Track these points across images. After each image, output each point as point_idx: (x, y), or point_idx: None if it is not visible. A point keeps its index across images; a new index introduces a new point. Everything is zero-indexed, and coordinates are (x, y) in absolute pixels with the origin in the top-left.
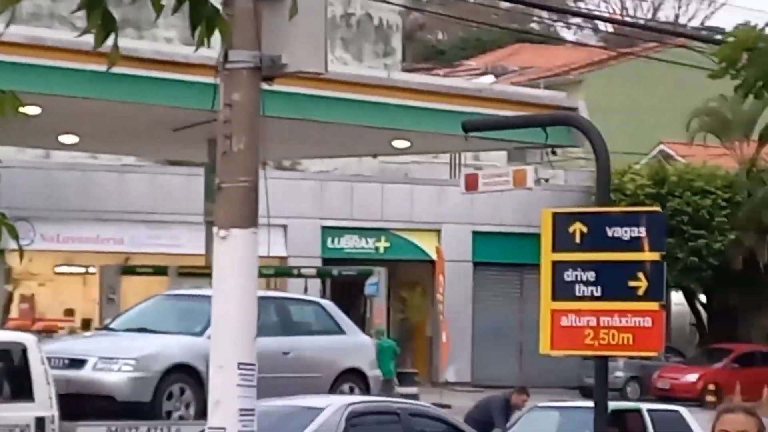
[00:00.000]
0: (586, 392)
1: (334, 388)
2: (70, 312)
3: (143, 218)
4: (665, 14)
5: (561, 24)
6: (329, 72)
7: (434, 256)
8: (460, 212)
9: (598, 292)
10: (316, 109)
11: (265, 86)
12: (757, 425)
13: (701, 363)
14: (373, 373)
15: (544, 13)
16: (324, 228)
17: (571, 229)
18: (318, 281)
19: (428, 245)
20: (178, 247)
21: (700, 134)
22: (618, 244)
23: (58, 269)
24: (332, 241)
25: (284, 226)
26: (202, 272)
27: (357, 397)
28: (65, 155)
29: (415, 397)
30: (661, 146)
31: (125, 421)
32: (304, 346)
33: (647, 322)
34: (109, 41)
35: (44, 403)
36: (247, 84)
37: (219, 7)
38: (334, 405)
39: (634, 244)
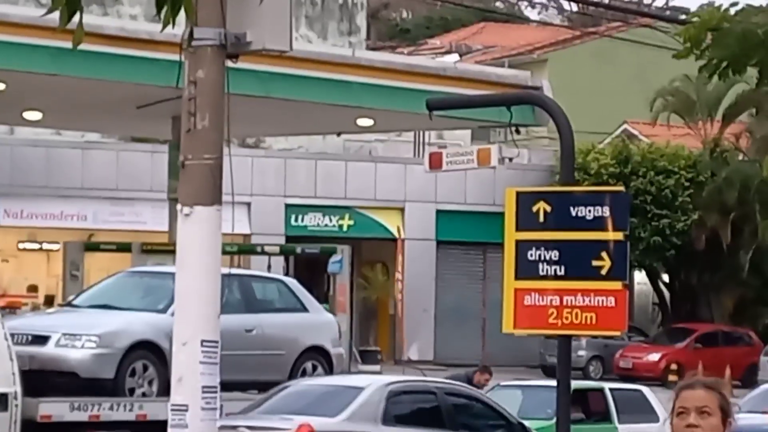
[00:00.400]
0: (548, 371)
1: (296, 366)
2: (33, 288)
3: (107, 195)
4: None
5: (525, 3)
6: (294, 50)
7: (398, 235)
8: (423, 190)
9: (561, 272)
10: (280, 86)
11: (229, 64)
12: (718, 400)
13: (664, 343)
14: (336, 350)
15: None
16: (288, 206)
17: (534, 209)
18: (281, 259)
19: (392, 223)
20: (142, 223)
21: (663, 114)
22: (581, 224)
23: (22, 245)
24: (296, 219)
25: (248, 204)
26: (165, 249)
27: (395, 377)
28: (29, 131)
29: (377, 375)
30: (625, 126)
31: (88, 398)
32: (267, 323)
33: (610, 301)
34: (74, 20)
35: (7, 379)
36: (211, 61)
37: None
38: (375, 384)
39: (598, 224)
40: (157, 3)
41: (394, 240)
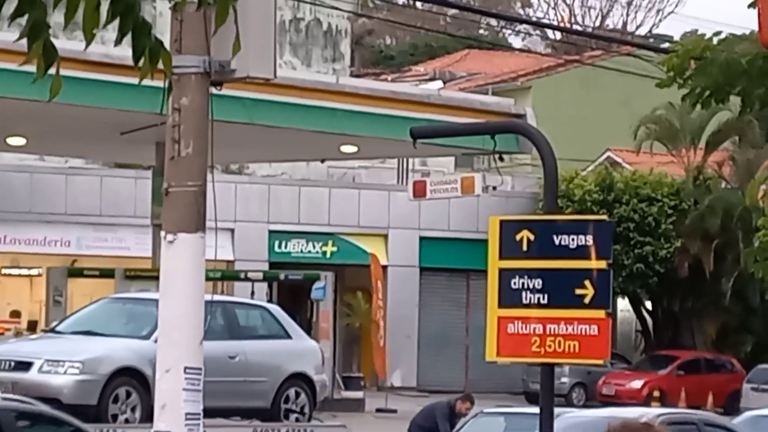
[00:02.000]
0: (531, 398)
1: (280, 393)
2: (16, 314)
3: (90, 220)
4: (613, 21)
5: (509, 31)
6: (278, 77)
7: (382, 261)
8: (407, 217)
9: (544, 300)
10: (264, 113)
11: (213, 91)
12: None
13: (646, 369)
14: (320, 377)
15: (493, 20)
16: (271, 232)
17: (518, 237)
18: (265, 285)
19: (375, 250)
20: (125, 249)
21: (647, 142)
22: (565, 252)
23: (5, 270)
24: (279, 245)
25: (231, 230)
26: (149, 275)
27: (662, 409)
28: (13, 157)
29: (360, 401)
30: (608, 153)
31: None
32: (251, 350)
33: (593, 329)
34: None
35: None
36: (195, 89)
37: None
38: (648, 416)
39: (581, 252)
40: (134, 54)
41: (368, 266)
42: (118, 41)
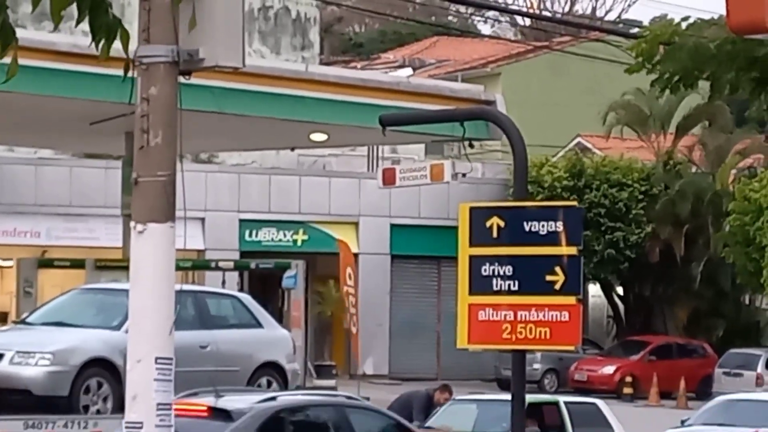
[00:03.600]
0: (503, 384)
1: (251, 382)
2: None
3: (60, 211)
4: (582, 7)
5: (478, 17)
6: (247, 65)
7: (353, 249)
8: (377, 205)
9: (515, 287)
10: (233, 102)
11: (182, 80)
12: None
13: (618, 355)
14: (291, 366)
15: (462, 7)
16: (242, 221)
17: (488, 224)
18: (236, 274)
19: (346, 238)
20: (96, 240)
21: (616, 127)
22: (535, 239)
23: None
24: (250, 234)
25: (202, 219)
26: (119, 265)
27: None
28: None
29: (333, 389)
30: (578, 139)
31: (42, 416)
32: (222, 339)
33: (564, 316)
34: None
35: None
36: (164, 78)
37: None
38: None
39: (551, 239)
40: (92, 33)
41: (336, 254)
42: (79, 21)
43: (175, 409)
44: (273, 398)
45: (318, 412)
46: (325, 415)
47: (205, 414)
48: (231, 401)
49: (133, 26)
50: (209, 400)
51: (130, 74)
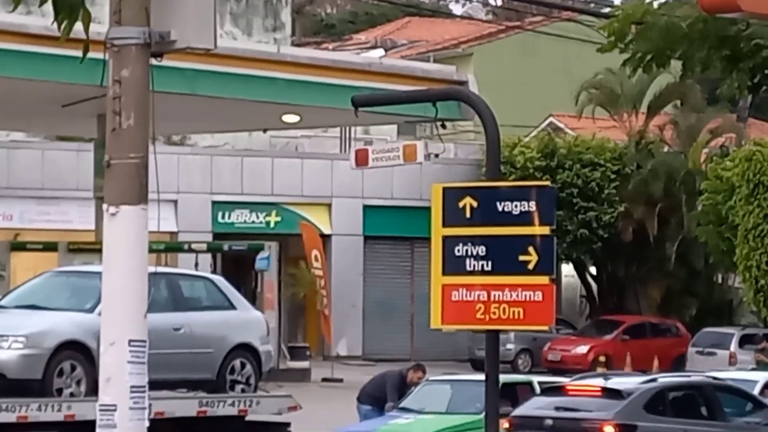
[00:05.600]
0: (477, 365)
1: (225, 364)
2: None
3: (33, 194)
4: None
5: None
6: (218, 47)
7: (325, 230)
8: (350, 186)
9: (488, 267)
10: (205, 83)
11: (154, 62)
12: None
13: (592, 335)
14: (265, 348)
15: None
16: (214, 203)
17: (461, 204)
18: (209, 256)
19: (319, 219)
20: (68, 223)
21: (588, 107)
22: (508, 219)
23: None
24: (223, 216)
25: (174, 202)
26: (92, 248)
27: None
28: None
29: (306, 371)
30: (551, 119)
31: (15, 399)
32: (195, 321)
33: (538, 296)
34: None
35: None
36: (135, 60)
37: None
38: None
39: (524, 219)
40: (54, 11)
41: (322, 236)
42: (42, 1)
43: (571, 390)
44: (654, 379)
45: (692, 391)
46: (699, 394)
47: (599, 393)
48: (619, 382)
49: (104, 9)
50: (600, 382)
51: (102, 56)
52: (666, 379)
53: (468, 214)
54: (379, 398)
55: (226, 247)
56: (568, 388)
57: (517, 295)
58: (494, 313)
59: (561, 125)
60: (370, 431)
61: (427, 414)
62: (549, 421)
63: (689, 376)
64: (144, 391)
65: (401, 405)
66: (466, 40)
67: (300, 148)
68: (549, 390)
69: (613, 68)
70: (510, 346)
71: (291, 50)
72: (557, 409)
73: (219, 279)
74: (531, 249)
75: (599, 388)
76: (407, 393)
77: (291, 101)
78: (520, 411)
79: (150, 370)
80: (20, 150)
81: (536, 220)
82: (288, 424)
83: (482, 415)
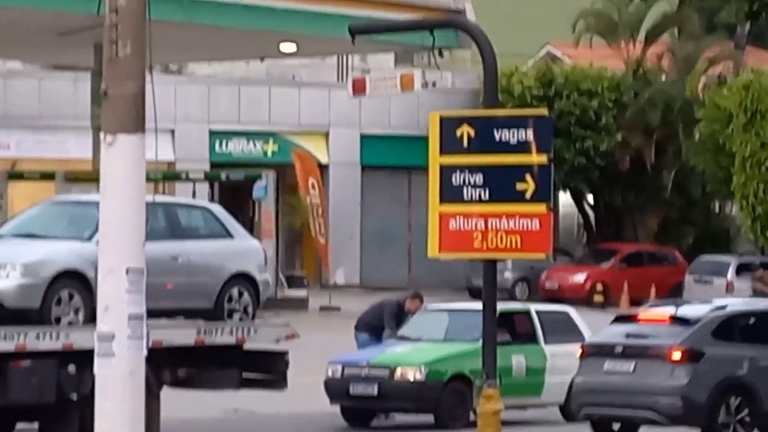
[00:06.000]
0: (474, 293)
1: (223, 293)
2: None
3: (30, 123)
4: None
5: None
6: None
7: (323, 159)
8: (347, 115)
9: (485, 195)
10: (202, 12)
11: None
12: None
13: (589, 263)
14: (263, 277)
15: None
16: (212, 132)
17: (458, 133)
18: (206, 185)
19: (316, 148)
20: (66, 152)
21: (586, 35)
22: (505, 147)
23: None
24: (220, 145)
25: (172, 131)
26: (90, 177)
27: None
28: None
29: (304, 300)
30: (548, 48)
31: (14, 327)
32: (193, 250)
33: (535, 224)
34: None
35: None
36: None
37: None
38: None
39: (522, 147)
40: None
41: (319, 165)
42: None
43: (642, 318)
44: (723, 307)
45: (760, 317)
46: (766, 320)
47: (668, 321)
48: (688, 310)
49: None
50: (670, 310)
51: None
52: (734, 306)
53: (465, 143)
54: (376, 327)
55: (223, 176)
56: (640, 316)
57: (515, 224)
58: (492, 241)
59: (558, 54)
60: (368, 359)
61: (425, 342)
62: (619, 348)
63: (757, 303)
64: (142, 320)
65: (399, 333)
66: None
67: (297, 77)
68: (621, 318)
69: None
70: (507, 274)
71: None
72: (628, 336)
73: (216, 208)
74: (528, 177)
75: (669, 316)
76: (405, 321)
77: (288, 30)
78: (592, 339)
79: (148, 298)
80: (17, 79)
81: (533, 149)
82: (286, 353)
83: (479, 344)
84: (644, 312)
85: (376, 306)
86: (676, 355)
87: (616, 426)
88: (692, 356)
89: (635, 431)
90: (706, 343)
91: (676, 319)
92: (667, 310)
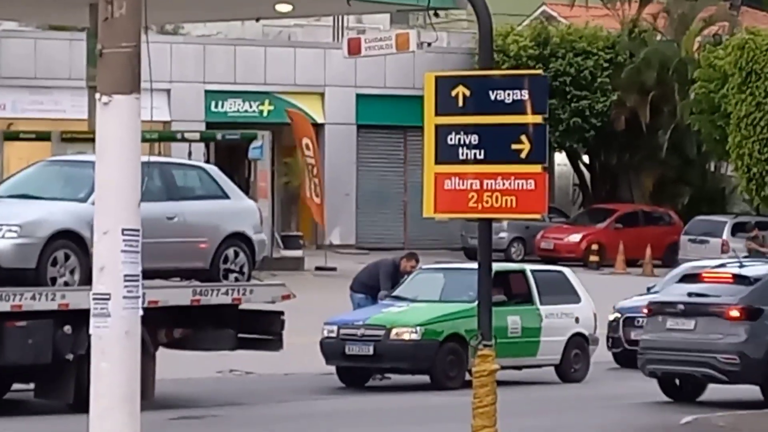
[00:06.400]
0: (470, 253)
1: (218, 253)
2: None
3: (25, 83)
4: None
5: None
6: None
7: (319, 119)
8: (343, 75)
9: (481, 156)
10: None
11: None
12: None
13: (584, 223)
14: (258, 237)
15: None
16: (207, 92)
17: (453, 93)
18: (202, 145)
19: (312, 108)
20: (61, 112)
21: None
22: (501, 108)
23: None
24: (216, 105)
25: (167, 91)
26: (85, 138)
27: None
28: None
29: (300, 260)
30: (544, 7)
31: (10, 288)
32: (189, 210)
33: (530, 184)
34: None
35: None
36: None
37: None
38: None
39: (517, 107)
40: None
41: (315, 125)
42: None
43: (706, 277)
44: None
45: None
46: None
47: (730, 280)
48: (752, 269)
49: None
50: (733, 269)
51: None
52: None
53: (461, 103)
54: (372, 287)
55: (219, 136)
56: (704, 275)
57: (510, 184)
58: (487, 201)
59: (554, 14)
60: (364, 320)
61: (420, 302)
62: (681, 306)
63: None
64: (138, 280)
65: (394, 293)
66: None
67: (293, 38)
68: (687, 277)
69: None
70: (503, 234)
71: None
72: (690, 294)
73: (212, 168)
74: (523, 138)
75: (730, 275)
76: (400, 281)
77: None
78: (658, 297)
79: (143, 259)
80: (12, 39)
81: (529, 109)
82: (281, 313)
83: (475, 304)
84: (708, 271)
85: (372, 266)
86: (734, 313)
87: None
88: (750, 314)
89: (702, 389)
90: (764, 302)
91: (737, 278)
92: (730, 269)
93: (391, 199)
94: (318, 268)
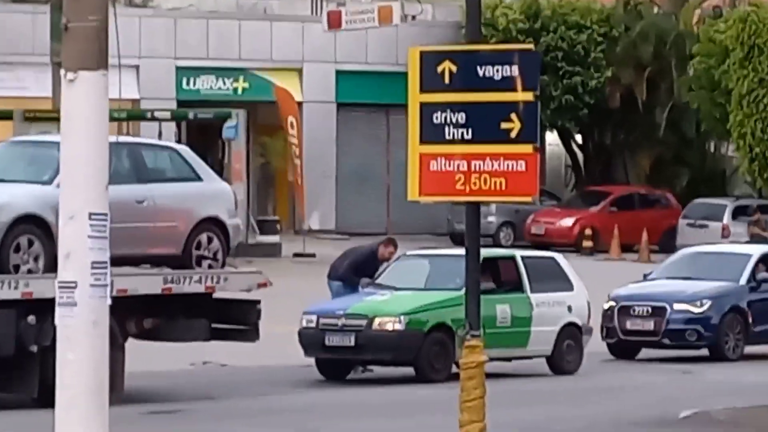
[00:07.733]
0: (457, 239)
1: (191, 238)
2: None
3: None
4: None
5: None
6: None
7: (297, 97)
8: (322, 50)
9: (468, 135)
10: None
11: None
12: None
13: (577, 207)
14: (233, 221)
15: None
16: (179, 68)
17: (439, 69)
18: (173, 125)
19: (289, 85)
20: (24, 90)
21: None
22: (489, 84)
23: None
24: (188, 82)
25: (136, 67)
26: (50, 117)
27: None
28: None
29: (277, 246)
30: None
31: None
32: (159, 194)
33: (521, 165)
34: None
35: None
36: None
37: None
38: None
39: (507, 84)
40: None
41: (269, 103)
42: None
43: None
44: None
45: None
46: None
47: None
48: None
49: None
50: None
51: None
52: None
53: (447, 80)
54: (349, 275)
55: (191, 115)
56: None
57: (499, 165)
58: (475, 183)
59: None
60: (345, 309)
61: (405, 290)
62: None
63: None
64: (106, 268)
65: (377, 281)
66: None
67: (269, 10)
68: None
69: None
70: (491, 218)
71: None
72: None
73: (184, 149)
74: (513, 116)
75: None
76: (377, 269)
77: None
78: None
79: (112, 245)
80: None
81: (519, 86)
82: (258, 302)
83: (462, 291)
84: None
85: (349, 252)
86: None
87: None
88: None
89: None
90: None
91: None
92: None
93: (373, 182)
94: (296, 255)
